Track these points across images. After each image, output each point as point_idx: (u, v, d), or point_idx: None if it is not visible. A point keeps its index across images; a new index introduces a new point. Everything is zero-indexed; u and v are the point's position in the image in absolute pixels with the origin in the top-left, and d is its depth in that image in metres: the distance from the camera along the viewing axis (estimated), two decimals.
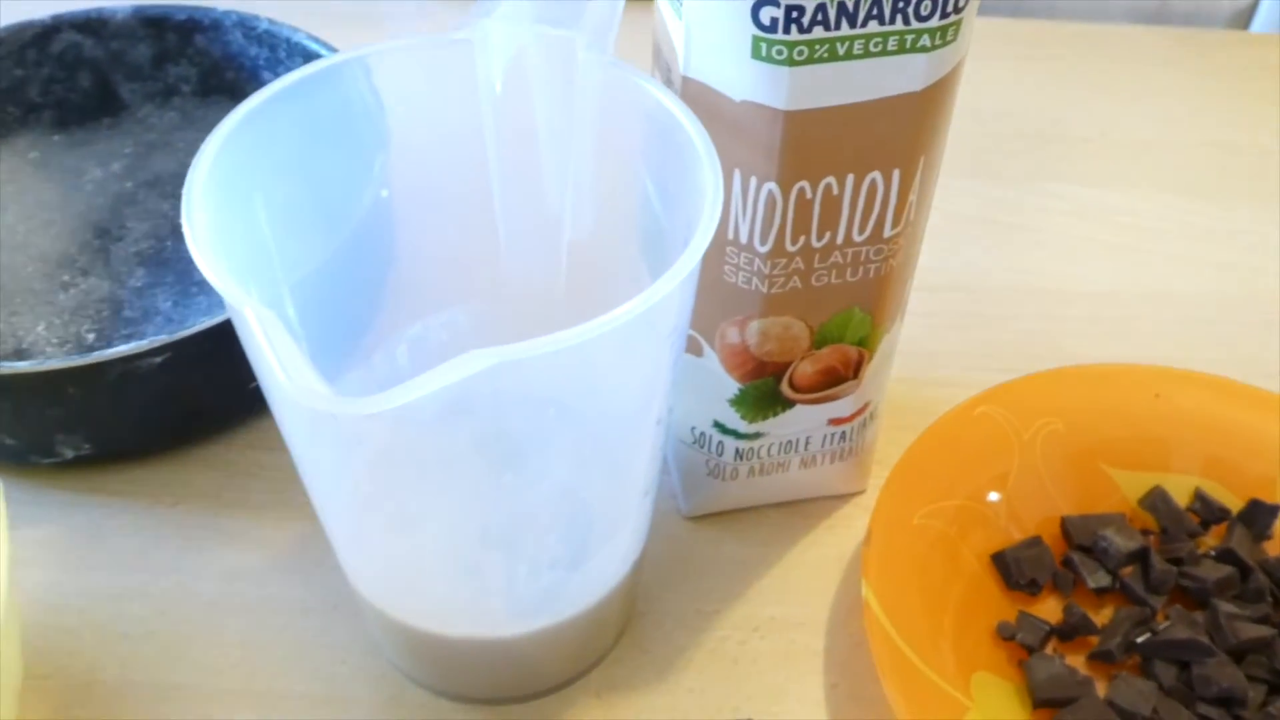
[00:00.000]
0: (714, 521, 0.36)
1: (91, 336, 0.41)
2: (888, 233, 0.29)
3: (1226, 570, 0.34)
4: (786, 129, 0.26)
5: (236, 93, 0.48)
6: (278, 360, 0.21)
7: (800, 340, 0.31)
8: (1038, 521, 0.36)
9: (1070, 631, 0.33)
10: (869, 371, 0.33)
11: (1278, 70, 0.58)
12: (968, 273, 0.46)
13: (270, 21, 0.46)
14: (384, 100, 0.30)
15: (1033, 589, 0.34)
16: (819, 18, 0.25)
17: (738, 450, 0.34)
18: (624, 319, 0.22)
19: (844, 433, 0.35)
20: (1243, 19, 1.10)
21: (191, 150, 0.48)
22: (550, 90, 0.30)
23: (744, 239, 0.29)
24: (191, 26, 0.47)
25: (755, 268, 0.29)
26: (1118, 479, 0.37)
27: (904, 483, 0.35)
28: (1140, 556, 0.35)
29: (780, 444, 0.34)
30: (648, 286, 0.30)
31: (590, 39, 0.28)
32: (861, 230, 0.29)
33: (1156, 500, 0.36)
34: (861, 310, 0.31)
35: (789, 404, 0.33)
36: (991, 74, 0.56)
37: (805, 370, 0.32)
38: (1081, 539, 0.35)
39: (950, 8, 0.26)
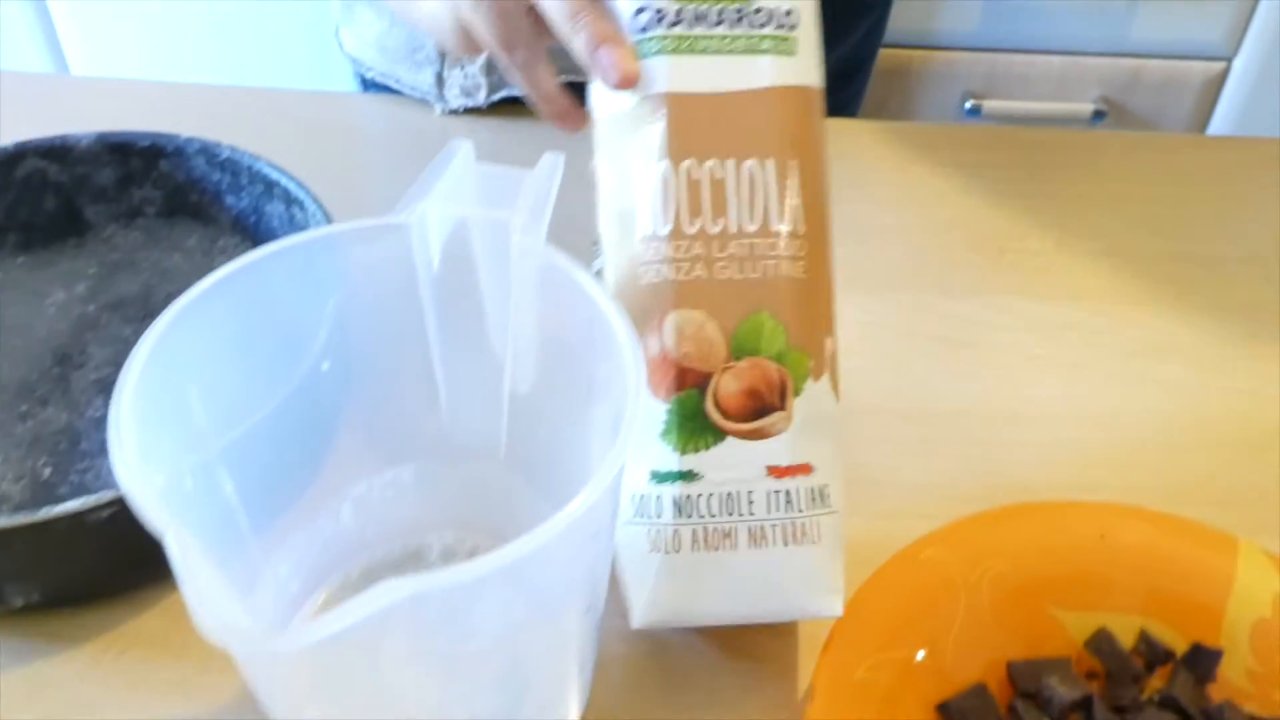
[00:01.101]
0: (658, 676, 0.36)
1: (48, 471, 0.41)
2: (775, 226, 0.34)
3: (1169, 718, 0.34)
4: (669, 109, 0.34)
5: (200, 214, 0.49)
6: (195, 593, 0.21)
7: (716, 345, 0.33)
8: (984, 665, 0.36)
9: None
10: (800, 413, 0.34)
11: (1234, 173, 0.58)
12: (919, 396, 0.46)
13: (232, 149, 0.47)
14: (327, 276, 0.30)
15: None
16: (679, 18, 0.34)
17: (676, 501, 0.34)
18: (543, 539, 0.23)
19: (788, 493, 0.34)
20: (1214, 85, 1.12)
21: (156, 270, 0.50)
22: (490, 264, 0.30)
23: (649, 229, 0.34)
24: (155, 152, 0.47)
25: (662, 254, 0.33)
26: (1064, 620, 0.37)
27: (848, 634, 0.35)
28: (1084, 705, 0.35)
29: (720, 497, 0.34)
30: (586, 440, 0.31)
31: (525, 220, 0.29)
32: (751, 219, 0.34)
33: (1102, 643, 0.37)
34: (771, 317, 0.34)
35: (719, 434, 0.34)
36: (944, 182, 0.57)
37: (729, 388, 0.33)
38: (1026, 685, 0.36)
39: (782, 23, 0.35)
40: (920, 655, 0.35)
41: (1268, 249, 0.54)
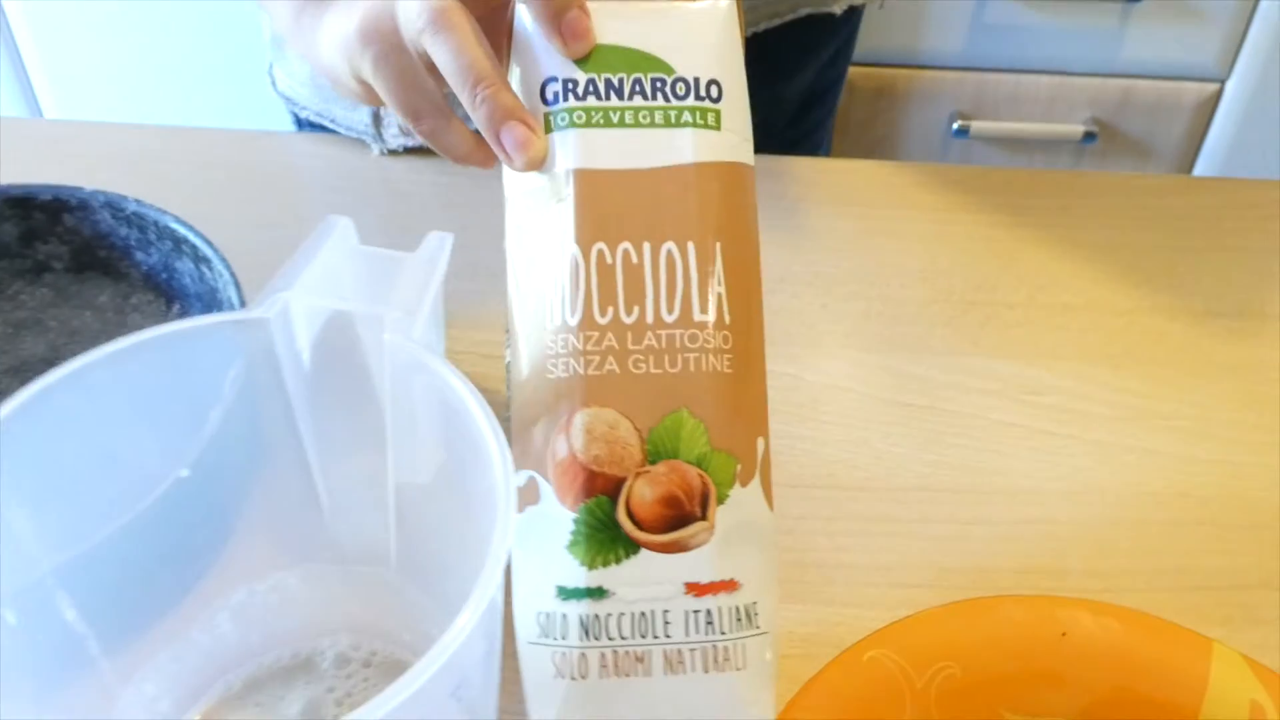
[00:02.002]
0: None
1: None
2: (697, 316, 0.30)
3: None
4: (578, 187, 0.30)
5: (111, 270, 0.46)
6: None
7: (630, 447, 0.30)
8: None
9: None
10: (725, 523, 0.30)
11: (1221, 218, 0.55)
12: (877, 468, 0.43)
13: (138, 203, 0.44)
14: (188, 378, 0.27)
15: None
16: (591, 89, 0.31)
17: (583, 621, 0.30)
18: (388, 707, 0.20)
19: (709, 614, 0.31)
20: (1208, 106, 1.09)
21: (64, 330, 0.47)
22: (366, 358, 0.27)
23: (557, 319, 0.30)
24: (58, 206, 0.44)
25: (571, 346, 0.30)
26: None
27: None
28: None
29: (632, 617, 0.30)
30: (480, 546, 0.27)
31: (398, 316, 0.26)
32: (670, 309, 0.30)
33: None
34: (692, 416, 0.30)
35: (633, 546, 0.30)
36: (913, 227, 0.54)
37: (643, 495, 0.30)
38: None
39: (704, 95, 0.31)
40: None
41: (1259, 302, 0.51)
